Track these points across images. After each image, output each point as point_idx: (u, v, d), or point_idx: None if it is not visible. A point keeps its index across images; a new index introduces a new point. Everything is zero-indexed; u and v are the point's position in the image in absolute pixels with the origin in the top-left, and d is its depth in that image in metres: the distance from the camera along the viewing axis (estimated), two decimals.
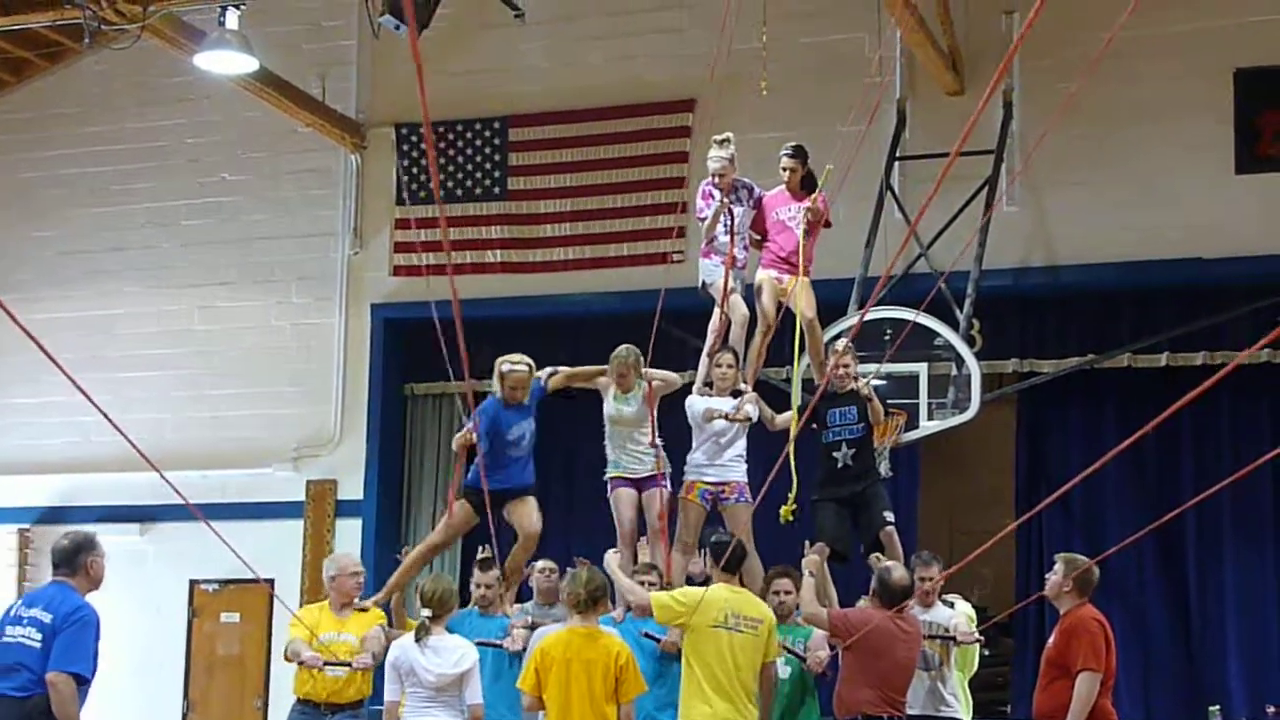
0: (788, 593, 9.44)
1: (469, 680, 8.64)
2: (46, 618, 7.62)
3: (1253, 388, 13.92)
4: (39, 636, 7.58)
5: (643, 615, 8.98)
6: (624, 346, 10.29)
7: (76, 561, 7.89)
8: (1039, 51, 13.81)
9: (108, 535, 15.26)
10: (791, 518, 9.78)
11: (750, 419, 10.12)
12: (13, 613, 7.83)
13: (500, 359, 10.02)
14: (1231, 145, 14.04)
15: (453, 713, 8.63)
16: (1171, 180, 14.18)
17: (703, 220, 10.70)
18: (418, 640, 8.68)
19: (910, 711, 9.29)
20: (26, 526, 17.16)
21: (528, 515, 9.98)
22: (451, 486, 10.41)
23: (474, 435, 9.74)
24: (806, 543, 9.90)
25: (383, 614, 9.97)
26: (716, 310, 10.60)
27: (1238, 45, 14.12)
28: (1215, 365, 14.04)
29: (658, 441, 10.24)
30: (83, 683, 7.62)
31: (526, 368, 9.96)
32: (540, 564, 10.46)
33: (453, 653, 8.69)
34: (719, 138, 10.59)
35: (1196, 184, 14.12)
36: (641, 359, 10.23)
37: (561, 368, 10.40)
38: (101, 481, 16.48)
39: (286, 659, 9.64)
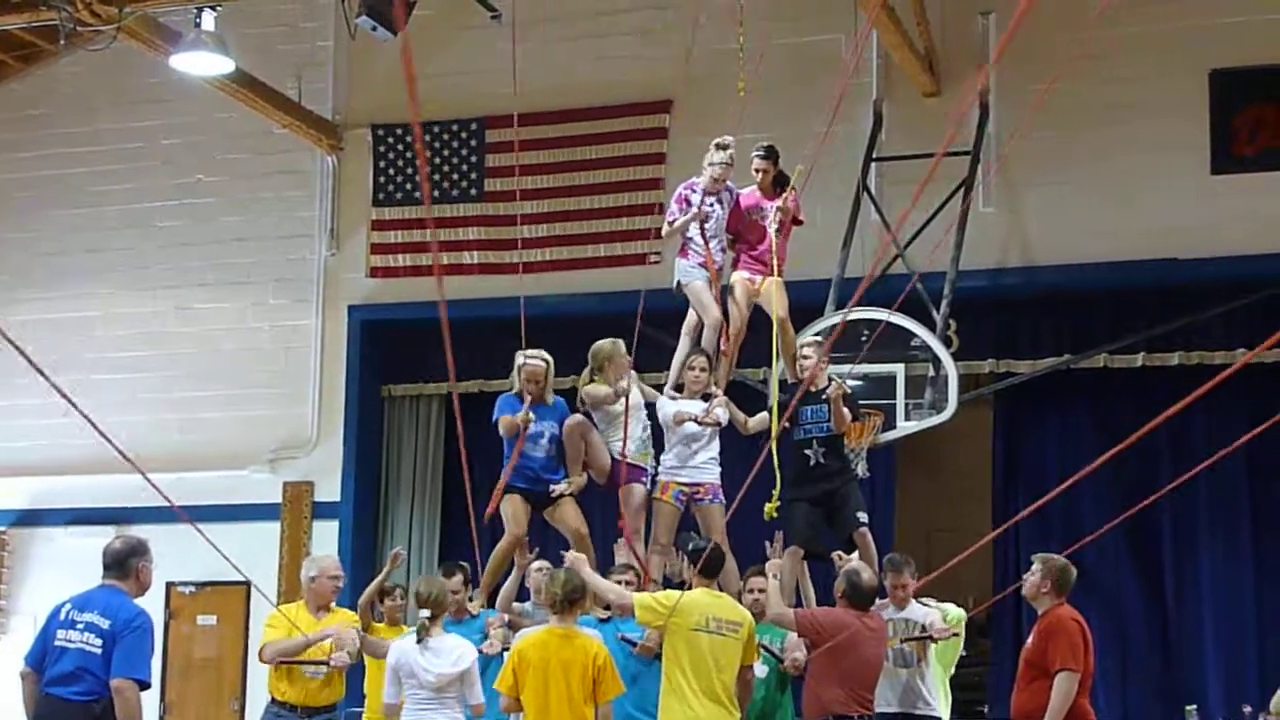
0: (763, 591, 9.41)
1: (469, 679, 8.63)
2: (105, 623, 7.64)
3: (1230, 389, 13.83)
4: (99, 642, 7.61)
5: (624, 615, 8.97)
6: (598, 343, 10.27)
7: (128, 566, 7.91)
8: (1015, 52, 13.78)
9: (83, 538, 15.48)
10: (776, 514, 9.78)
11: (720, 423, 10.10)
12: (63, 616, 7.79)
13: (519, 353, 10.00)
14: (1208, 146, 14.08)
15: (452, 713, 8.63)
16: (1148, 181, 14.21)
17: (671, 222, 10.65)
18: (417, 641, 8.68)
19: (889, 710, 9.29)
20: (3, 529, 17.13)
21: (571, 517, 10.01)
22: (506, 473, 9.98)
23: (526, 417, 9.70)
24: (767, 543, 9.87)
25: (355, 615, 9.93)
26: (690, 311, 10.58)
27: (1213, 45, 14.15)
28: (1191, 365, 14.08)
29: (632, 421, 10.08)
30: (144, 687, 7.69)
31: (544, 363, 9.98)
32: (536, 563, 10.36)
33: (451, 652, 8.69)
34: (721, 141, 10.48)
35: (1173, 184, 14.15)
36: (613, 356, 10.13)
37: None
38: (78, 484, 16.40)
39: (262, 660, 9.58)
